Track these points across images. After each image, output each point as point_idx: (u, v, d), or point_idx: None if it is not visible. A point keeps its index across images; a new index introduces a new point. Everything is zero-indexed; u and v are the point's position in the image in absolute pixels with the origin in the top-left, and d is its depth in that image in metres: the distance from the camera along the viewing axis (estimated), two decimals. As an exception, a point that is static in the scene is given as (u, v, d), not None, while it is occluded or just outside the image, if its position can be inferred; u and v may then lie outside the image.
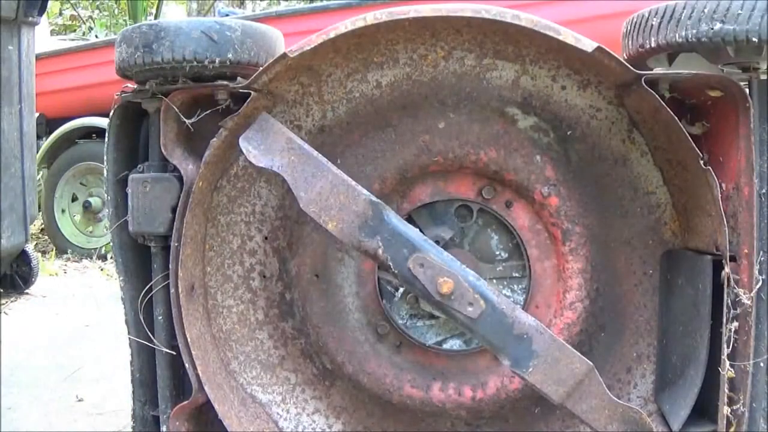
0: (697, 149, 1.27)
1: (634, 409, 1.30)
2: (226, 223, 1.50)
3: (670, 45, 1.31)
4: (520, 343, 1.28)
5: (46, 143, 5.18)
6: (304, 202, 1.30)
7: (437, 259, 1.28)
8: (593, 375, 1.28)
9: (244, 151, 1.32)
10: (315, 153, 1.31)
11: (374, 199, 1.29)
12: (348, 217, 1.29)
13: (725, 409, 1.29)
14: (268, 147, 1.32)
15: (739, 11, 1.23)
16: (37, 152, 4.60)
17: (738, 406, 1.29)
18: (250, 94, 1.32)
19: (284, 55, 1.30)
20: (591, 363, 1.29)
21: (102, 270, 4.66)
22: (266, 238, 1.50)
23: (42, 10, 3.47)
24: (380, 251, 1.28)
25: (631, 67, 1.28)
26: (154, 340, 1.46)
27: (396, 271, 1.29)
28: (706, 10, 1.26)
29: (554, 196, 1.43)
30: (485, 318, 1.27)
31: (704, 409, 1.35)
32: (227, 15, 6.03)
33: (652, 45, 1.35)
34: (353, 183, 1.30)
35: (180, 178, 1.41)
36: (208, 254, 1.50)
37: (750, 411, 1.31)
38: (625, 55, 1.47)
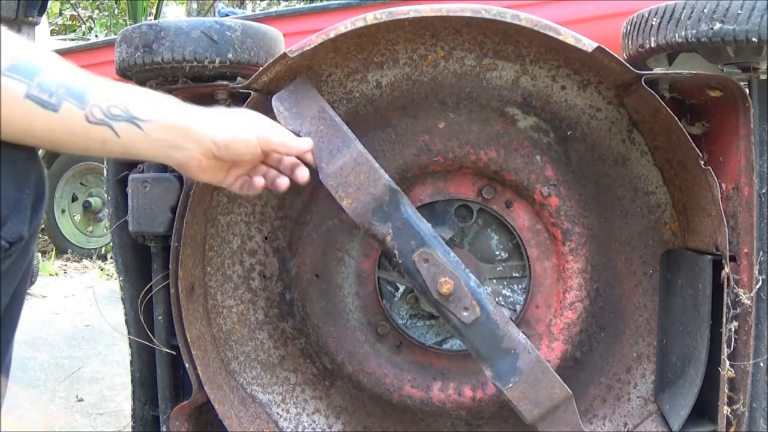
0: (697, 149, 1.27)
1: None
2: (226, 223, 1.50)
3: (670, 45, 1.31)
4: (506, 358, 1.27)
5: (46, 143, 5.17)
6: (324, 174, 1.28)
7: (443, 257, 1.27)
8: (570, 403, 1.28)
9: (275, 110, 1.29)
10: (345, 128, 1.29)
11: (394, 185, 1.28)
12: (364, 198, 1.27)
13: (725, 409, 1.29)
14: (300, 111, 1.29)
15: (739, 11, 1.23)
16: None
17: (738, 406, 1.29)
18: (250, 94, 1.32)
19: (284, 55, 1.30)
20: (570, 392, 1.28)
21: (102, 270, 4.66)
22: (266, 238, 1.50)
23: (42, 10, 3.45)
24: (389, 238, 1.27)
25: (631, 67, 1.28)
26: (154, 340, 1.46)
27: (400, 261, 1.28)
28: (706, 10, 1.25)
29: (554, 196, 1.43)
30: (478, 326, 1.27)
31: (704, 409, 1.35)
32: (227, 15, 6.02)
33: (652, 45, 1.35)
34: (376, 165, 1.28)
35: (180, 178, 1.41)
36: (208, 254, 1.50)
37: (750, 411, 1.31)
38: (625, 55, 1.47)
